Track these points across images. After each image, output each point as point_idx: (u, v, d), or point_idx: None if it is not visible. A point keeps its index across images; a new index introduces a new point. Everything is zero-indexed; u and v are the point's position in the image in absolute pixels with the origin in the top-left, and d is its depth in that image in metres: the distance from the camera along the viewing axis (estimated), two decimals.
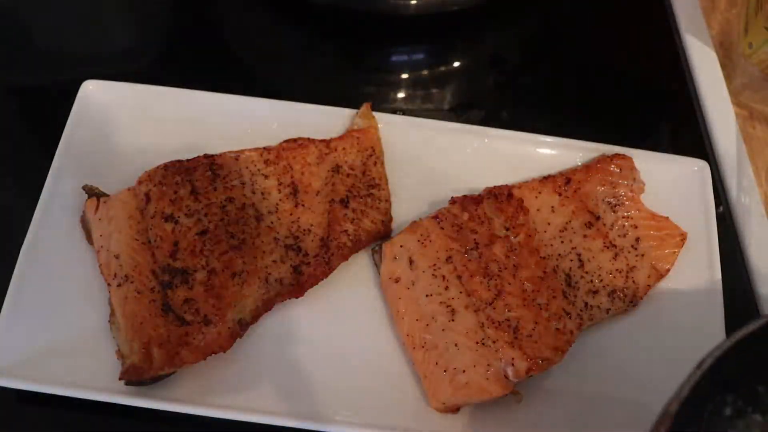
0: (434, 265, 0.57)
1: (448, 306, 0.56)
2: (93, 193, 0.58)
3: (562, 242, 0.59)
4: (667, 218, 0.61)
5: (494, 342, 0.54)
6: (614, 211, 0.61)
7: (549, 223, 0.60)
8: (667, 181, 0.63)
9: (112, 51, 0.76)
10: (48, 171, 0.60)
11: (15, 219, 0.60)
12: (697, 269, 0.60)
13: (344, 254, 0.59)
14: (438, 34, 0.77)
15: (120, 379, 0.51)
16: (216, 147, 0.61)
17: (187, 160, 0.59)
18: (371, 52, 0.77)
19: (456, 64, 0.77)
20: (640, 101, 0.74)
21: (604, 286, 0.58)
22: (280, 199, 0.59)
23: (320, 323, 0.57)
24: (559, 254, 0.58)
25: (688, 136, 0.71)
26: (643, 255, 0.60)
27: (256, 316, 0.56)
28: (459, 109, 0.73)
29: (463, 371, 0.53)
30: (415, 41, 0.77)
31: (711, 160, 0.68)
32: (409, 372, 0.56)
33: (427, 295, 0.56)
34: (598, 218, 0.60)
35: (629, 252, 0.59)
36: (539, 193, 0.61)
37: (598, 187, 0.61)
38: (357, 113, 0.65)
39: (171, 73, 0.72)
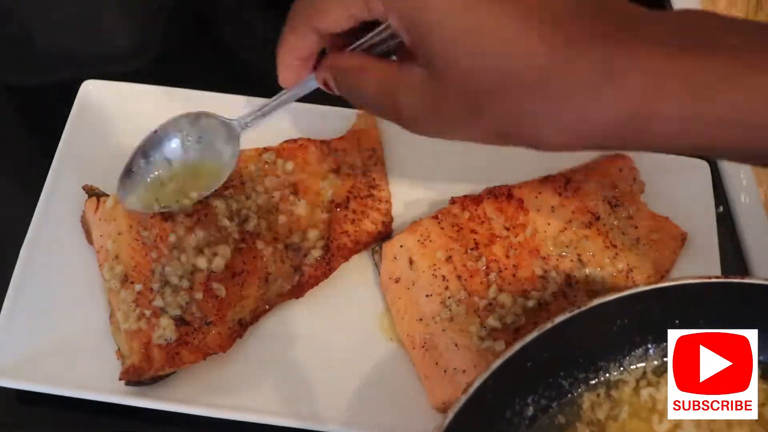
0: (434, 265, 0.57)
1: (448, 306, 0.56)
2: (93, 193, 0.58)
3: (562, 242, 0.59)
4: (667, 218, 0.61)
5: (494, 342, 0.54)
6: (614, 211, 0.61)
7: (549, 223, 0.59)
8: (667, 181, 0.63)
9: (112, 51, 0.76)
10: (48, 171, 0.60)
11: (15, 219, 0.59)
12: (697, 269, 0.60)
13: (344, 254, 0.59)
14: None
15: (120, 379, 0.51)
16: None
17: None
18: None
19: None
20: None
21: (604, 286, 0.58)
22: (280, 199, 0.59)
23: (320, 323, 0.57)
24: (560, 254, 0.58)
25: None
26: (643, 255, 0.59)
27: (256, 316, 0.56)
28: None
29: (463, 371, 0.53)
30: None
31: (711, 160, 0.68)
32: (409, 372, 0.56)
33: (427, 295, 0.56)
34: (598, 218, 0.60)
35: (629, 252, 0.59)
36: (539, 193, 0.61)
37: (598, 187, 0.61)
38: (357, 113, 0.64)
39: (171, 73, 0.72)
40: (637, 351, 0.45)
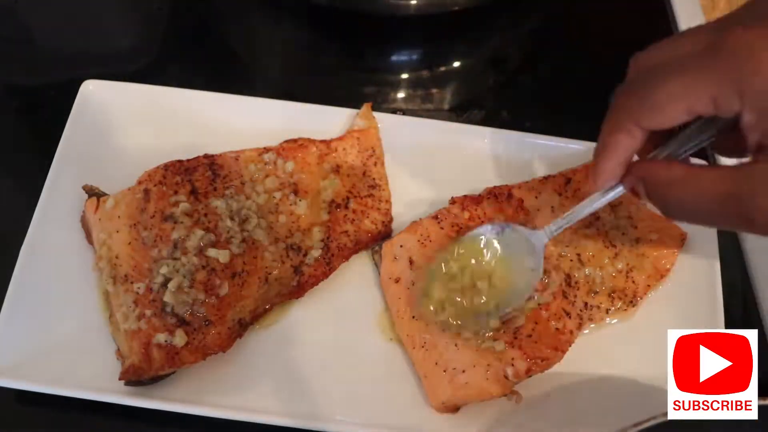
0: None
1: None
2: (93, 193, 0.58)
3: (561, 242, 0.59)
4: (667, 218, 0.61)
5: (494, 342, 0.54)
6: (614, 211, 0.61)
7: (549, 223, 0.59)
8: None
9: (112, 51, 0.76)
10: (48, 171, 0.60)
11: (15, 219, 0.59)
12: (697, 269, 0.60)
13: (344, 254, 0.59)
14: (438, 34, 0.77)
15: (120, 379, 0.51)
16: (216, 147, 0.61)
17: (187, 160, 0.59)
18: (371, 52, 0.77)
19: (456, 64, 0.77)
20: None
21: (603, 286, 0.58)
22: (280, 199, 0.59)
23: (320, 323, 0.57)
24: (559, 254, 0.58)
25: None
26: (643, 255, 0.59)
27: (256, 316, 0.56)
28: (459, 109, 0.73)
29: (463, 371, 0.53)
30: (415, 41, 0.77)
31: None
32: (409, 372, 0.56)
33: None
34: (598, 218, 0.60)
35: (629, 252, 0.59)
36: (539, 193, 0.61)
37: None
38: (357, 113, 0.64)
39: (171, 73, 0.72)
40: None
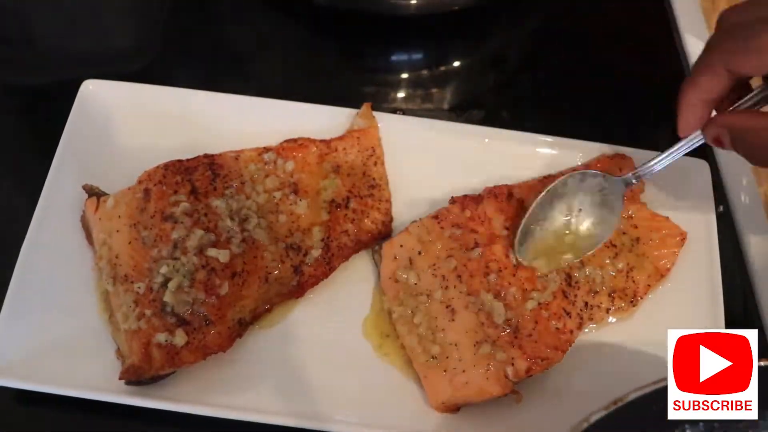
0: (434, 264, 0.57)
1: (448, 306, 0.56)
2: (93, 193, 0.58)
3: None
4: (667, 218, 0.61)
5: (494, 342, 0.54)
6: None
7: None
8: (667, 182, 0.63)
9: (112, 51, 0.76)
10: (48, 171, 0.60)
11: (15, 219, 0.59)
12: (697, 269, 0.60)
13: (344, 254, 0.59)
14: (438, 34, 0.77)
15: (120, 378, 0.51)
16: (216, 147, 0.61)
17: (187, 160, 0.59)
18: (371, 52, 0.77)
19: (456, 64, 0.77)
20: (639, 101, 0.74)
21: (604, 286, 0.58)
22: (280, 199, 0.59)
23: (320, 323, 0.57)
24: None
25: None
26: (643, 255, 0.59)
27: (256, 316, 0.56)
28: (459, 109, 0.73)
29: (463, 371, 0.53)
30: (415, 41, 0.77)
31: (711, 160, 0.68)
32: (409, 372, 0.56)
33: (427, 295, 0.56)
34: None
35: (629, 252, 0.59)
36: (539, 193, 0.61)
37: None
38: (357, 113, 0.64)
39: (171, 73, 0.72)
40: None
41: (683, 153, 0.55)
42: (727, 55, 0.46)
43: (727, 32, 0.48)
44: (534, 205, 0.57)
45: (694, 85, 0.49)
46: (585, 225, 0.58)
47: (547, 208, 0.58)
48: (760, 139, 0.47)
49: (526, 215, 0.57)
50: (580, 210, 0.58)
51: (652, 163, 0.57)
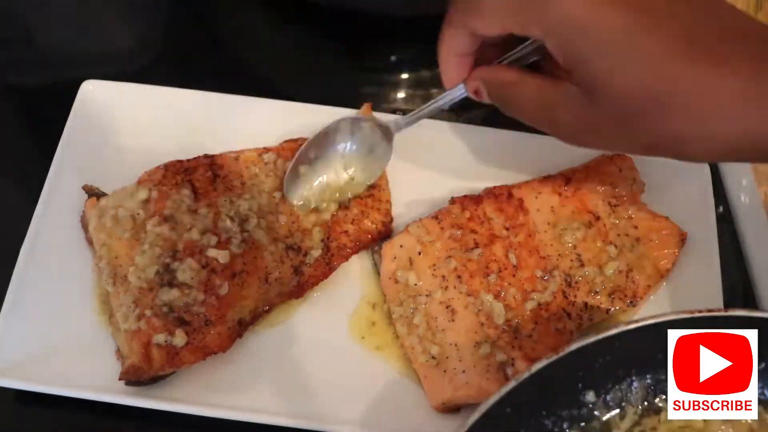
0: (434, 265, 0.57)
1: (447, 306, 0.56)
2: (93, 193, 0.58)
3: (562, 242, 0.59)
4: (667, 218, 0.61)
5: (494, 342, 0.54)
6: (614, 211, 0.61)
7: (549, 223, 0.59)
8: (667, 182, 0.63)
9: (112, 51, 0.76)
10: (48, 171, 0.60)
11: (15, 219, 0.59)
12: (697, 269, 0.60)
13: (344, 254, 0.59)
14: (438, 34, 0.77)
15: (120, 379, 0.51)
16: (216, 147, 0.61)
17: (187, 160, 0.59)
18: (371, 52, 0.77)
19: None
20: None
21: (604, 286, 0.58)
22: (280, 199, 0.59)
23: (320, 323, 0.57)
24: (559, 254, 0.58)
25: None
26: (643, 255, 0.59)
27: (256, 316, 0.56)
28: (459, 109, 0.73)
29: (463, 371, 0.53)
30: (415, 41, 0.77)
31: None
32: (409, 372, 0.56)
33: (427, 295, 0.56)
34: (598, 218, 0.60)
35: (629, 252, 0.59)
36: (539, 193, 0.61)
37: (598, 187, 0.61)
38: (357, 113, 0.64)
39: (171, 73, 0.72)
40: (621, 385, 0.45)
41: (448, 104, 0.56)
42: (461, 15, 0.49)
43: None
44: (305, 145, 0.59)
45: (441, 41, 0.52)
46: (351, 170, 0.60)
47: (317, 149, 0.59)
48: (511, 91, 0.50)
49: (296, 155, 0.59)
50: (347, 154, 0.60)
51: (418, 111, 0.58)
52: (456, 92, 0.54)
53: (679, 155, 0.45)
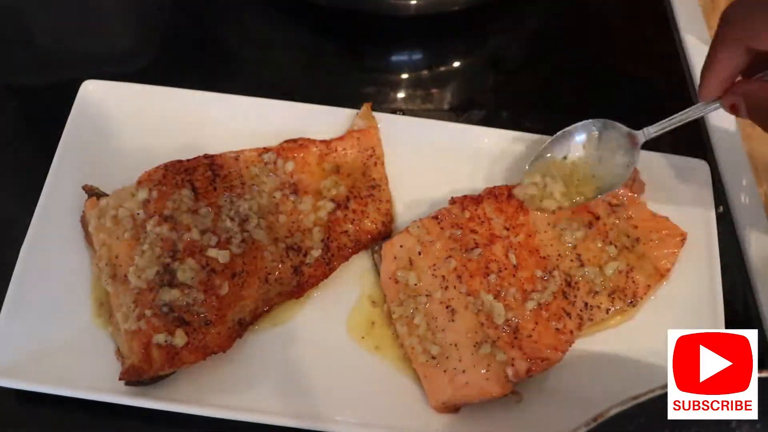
0: (434, 265, 0.57)
1: (447, 306, 0.56)
2: (93, 193, 0.58)
3: (562, 242, 0.59)
4: (667, 218, 0.61)
5: (494, 342, 0.54)
6: (614, 211, 0.61)
7: (549, 223, 0.60)
8: (667, 181, 0.63)
9: (112, 51, 0.76)
10: (48, 171, 0.60)
11: (15, 219, 0.59)
12: (697, 269, 0.60)
13: (344, 254, 0.59)
14: (438, 34, 0.77)
15: (120, 379, 0.51)
16: (216, 147, 0.61)
17: (187, 160, 0.59)
18: (371, 52, 0.77)
19: (456, 64, 0.77)
20: (639, 101, 0.74)
21: (604, 286, 0.58)
22: (280, 199, 0.59)
23: (320, 323, 0.57)
24: (559, 254, 0.58)
25: (688, 135, 0.71)
26: (643, 255, 0.59)
27: (256, 316, 0.56)
28: (459, 109, 0.73)
29: (463, 371, 0.53)
30: (415, 41, 0.77)
31: (711, 160, 0.68)
32: (409, 372, 0.56)
33: (427, 295, 0.56)
34: (598, 218, 0.60)
35: (629, 252, 0.59)
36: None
37: None
38: (357, 113, 0.64)
39: (171, 73, 0.72)
40: None
41: (698, 116, 0.56)
42: (740, 31, 0.47)
43: (742, 6, 0.48)
44: (549, 140, 0.61)
45: (714, 59, 0.50)
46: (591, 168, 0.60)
47: (562, 142, 0.60)
48: None
49: (544, 144, 0.61)
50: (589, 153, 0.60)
51: (667, 120, 0.57)
52: (710, 107, 0.54)
53: None
